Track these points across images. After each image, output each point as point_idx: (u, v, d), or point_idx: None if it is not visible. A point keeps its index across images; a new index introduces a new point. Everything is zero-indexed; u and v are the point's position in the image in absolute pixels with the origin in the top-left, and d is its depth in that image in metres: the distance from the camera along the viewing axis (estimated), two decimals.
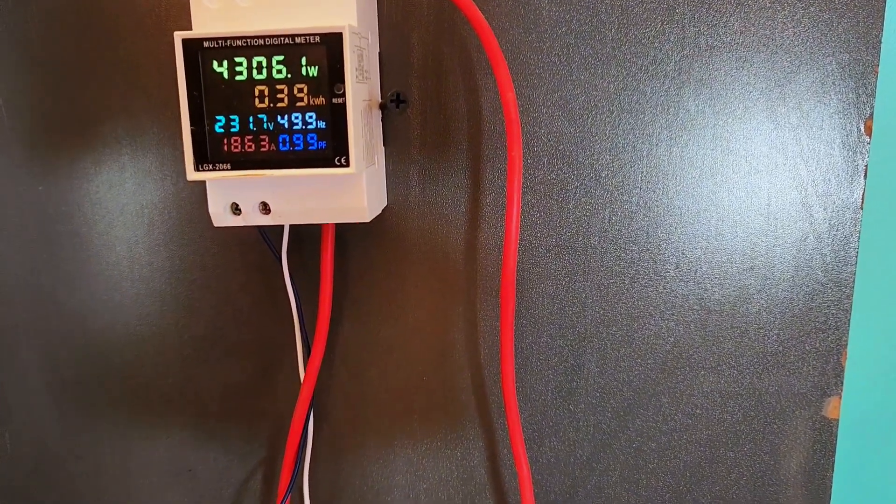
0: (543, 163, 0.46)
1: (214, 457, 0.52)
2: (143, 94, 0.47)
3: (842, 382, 0.47)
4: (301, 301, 0.47)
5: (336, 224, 0.46)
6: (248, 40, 0.37)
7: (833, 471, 0.48)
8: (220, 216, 0.41)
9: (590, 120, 0.45)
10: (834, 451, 0.48)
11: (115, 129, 0.48)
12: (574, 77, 0.45)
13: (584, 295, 0.47)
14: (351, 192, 0.40)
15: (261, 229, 0.45)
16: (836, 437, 0.48)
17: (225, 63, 0.37)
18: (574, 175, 0.46)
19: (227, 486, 0.52)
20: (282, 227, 0.45)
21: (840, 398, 0.47)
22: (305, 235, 0.47)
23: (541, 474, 0.50)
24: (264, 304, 0.49)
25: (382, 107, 0.44)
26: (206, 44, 0.37)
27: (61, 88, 0.47)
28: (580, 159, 0.46)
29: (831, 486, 0.48)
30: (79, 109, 0.47)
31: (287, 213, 0.41)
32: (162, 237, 0.49)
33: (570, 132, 0.45)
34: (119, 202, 0.48)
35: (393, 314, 0.49)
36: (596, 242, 0.47)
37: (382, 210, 0.47)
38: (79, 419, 0.52)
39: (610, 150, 0.45)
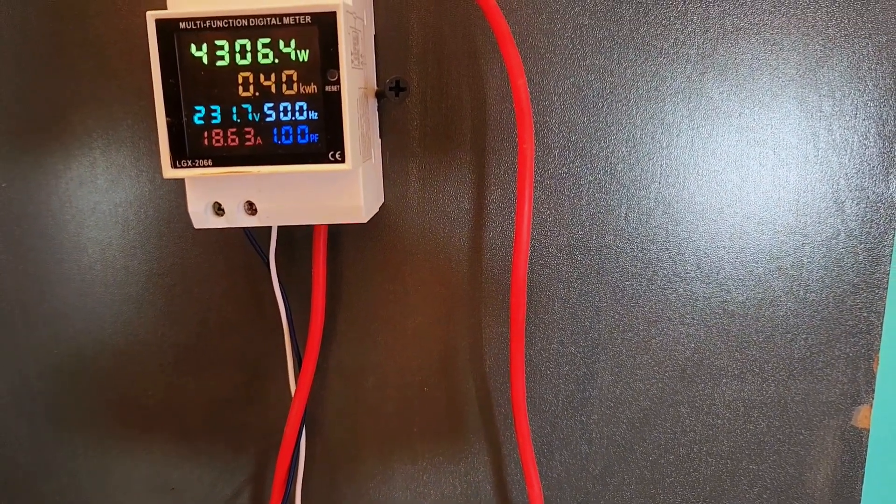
0: (554, 155, 0.42)
1: (199, 474, 0.48)
2: (116, 81, 0.43)
3: (873, 390, 0.44)
4: (291, 307, 0.44)
5: (329, 224, 0.42)
6: (230, 21, 0.33)
7: (862, 484, 0.45)
8: (201, 217, 0.37)
9: (605, 108, 0.42)
10: (864, 464, 0.45)
11: (85, 120, 0.44)
12: (588, 62, 0.41)
13: (598, 298, 0.44)
14: (346, 190, 0.36)
15: (247, 231, 0.42)
16: (867, 448, 0.45)
17: (204, 46, 0.33)
18: (588, 169, 0.42)
19: None
20: (268, 227, 0.41)
21: (871, 407, 0.44)
22: (295, 236, 0.44)
23: (551, 490, 0.47)
24: (251, 310, 0.45)
25: (379, 95, 0.41)
26: (182, 24, 0.33)
27: (26, 75, 0.43)
28: (594, 151, 0.42)
29: (860, 501, 0.46)
30: (45, 98, 0.44)
31: (275, 214, 0.37)
32: (138, 238, 0.45)
33: (584, 122, 0.42)
34: (90, 201, 0.45)
35: (391, 320, 0.45)
36: (611, 241, 0.43)
37: (379, 208, 0.43)
38: (51, 434, 0.48)
39: (627, 142, 0.42)
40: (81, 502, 0.49)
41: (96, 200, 0.45)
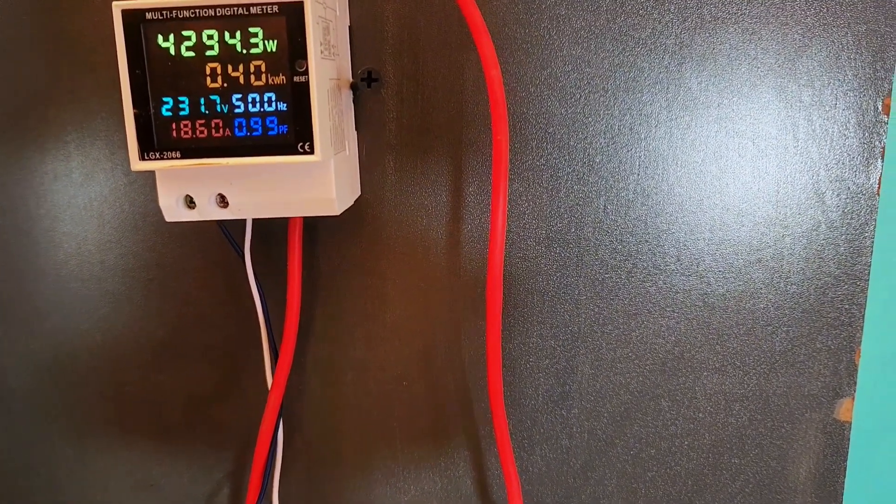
0: (532, 147, 0.42)
1: (178, 470, 0.48)
2: (91, 74, 0.43)
3: (855, 383, 0.44)
4: (267, 301, 0.43)
5: (305, 217, 0.42)
6: (197, 11, 0.32)
7: (845, 477, 0.45)
8: (173, 210, 0.37)
9: (582, 100, 0.41)
10: (846, 456, 0.45)
11: (59, 113, 0.43)
12: (565, 52, 0.41)
13: (577, 291, 0.44)
14: (317, 182, 0.36)
15: (221, 224, 0.41)
16: (849, 441, 0.45)
17: (171, 37, 0.33)
18: (566, 160, 0.42)
19: (191, 501, 0.48)
20: (244, 221, 0.41)
21: (853, 399, 0.44)
22: (271, 229, 0.43)
23: (531, 485, 0.46)
24: (227, 304, 0.45)
25: (353, 87, 0.40)
26: (148, 15, 0.32)
27: None
28: (572, 143, 0.42)
29: (843, 494, 0.45)
30: (19, 92, 0.43)
31: (247, 207, 0.36)
32: (113, 233, 0.44)
33: (561, 113, 0.41)
34: (66, 195, 0.44)
35: (369, 314, 0.45)
36: (590, 234, 0.43)
37: (355, 201, 0.43)
38: (30, 431, 0.48)
39: (604, 133, 0.42)
40: (61, 499, 0.49)
41: (71, 195, 0.44)
